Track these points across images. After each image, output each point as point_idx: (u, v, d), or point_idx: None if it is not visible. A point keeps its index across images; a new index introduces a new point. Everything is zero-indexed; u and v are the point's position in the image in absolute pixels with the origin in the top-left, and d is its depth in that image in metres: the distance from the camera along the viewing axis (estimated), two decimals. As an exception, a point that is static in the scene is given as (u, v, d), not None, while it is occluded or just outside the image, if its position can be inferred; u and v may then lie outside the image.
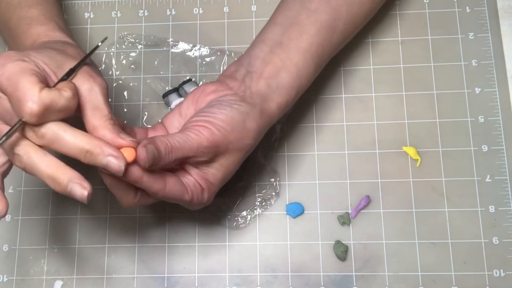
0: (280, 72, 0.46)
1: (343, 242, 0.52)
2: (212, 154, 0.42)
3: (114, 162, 0.36)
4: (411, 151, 0.54)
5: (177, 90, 0.57)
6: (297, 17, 0.47)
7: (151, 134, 0.45)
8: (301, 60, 0.47)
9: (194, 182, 0.43)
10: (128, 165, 0.37)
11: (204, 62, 0.58)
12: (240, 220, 0.54)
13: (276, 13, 0.50)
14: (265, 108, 0.45)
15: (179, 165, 0.43)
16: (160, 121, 0.47)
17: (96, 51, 0.59)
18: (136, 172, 0.38)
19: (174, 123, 0.46)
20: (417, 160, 0.54)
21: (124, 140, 0.38)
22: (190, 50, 0.59)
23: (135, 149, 0.38)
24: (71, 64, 0.40)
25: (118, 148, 0.38)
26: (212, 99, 0.45)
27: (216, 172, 0.43)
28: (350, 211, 0.53)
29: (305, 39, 0.47)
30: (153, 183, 0.39)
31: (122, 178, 0.38)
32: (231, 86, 0.45)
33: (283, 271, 0.52)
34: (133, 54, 0.59)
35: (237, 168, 0.45)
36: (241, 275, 0.52)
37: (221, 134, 0.42)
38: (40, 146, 0.37)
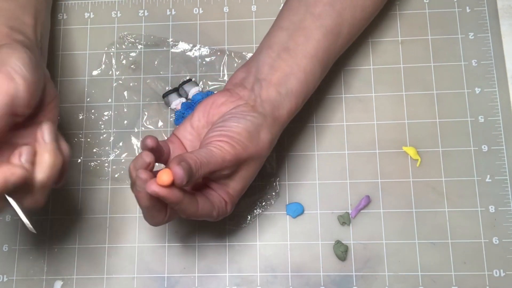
0: (289, 78, 0.46)
1: (343, 242, 0.52)
2: (235, 167, 0.42)
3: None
4: (411, 151, 0.54)
5: (177, 90, 0.57)
6: (303, 22, 0.47)
7: (171, 147, 0.45)
8: (309, 65, 0.47)
9: (218, 197, 0.43)
10: (169, 187, 0.37)
11: (204, 62, 0.58)
12: (240, 220, 0.54)
13: (281, 17, 0.49)
14: (277, 117, 0.45)
15: (203, 182, 0.43)
16: (172, 132, 0.47)
17: (96, 51, 0.59)
18: (177, 194, 0.38)
19: (187, 136, 0.46)
20: (417, 160, 0.54)
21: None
22: (190, 50, 0.59)
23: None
24: None
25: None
26: (225, 112, 0.45)
27: (236, 184, 0.44)
28: (350, 211, 0.53)
29: (311, 44, 0.47)
30: (190, 205, 0.40)
31: (163, 200, 0.39)
32: (241, 95, 0.45)
33: (283, 271, 0.52)
34: (133, 54, 0.59)
35: (254, 177, 0.45)
36: (241, 275, 0.52)
37: (240, 147, 0.42)
38: None
